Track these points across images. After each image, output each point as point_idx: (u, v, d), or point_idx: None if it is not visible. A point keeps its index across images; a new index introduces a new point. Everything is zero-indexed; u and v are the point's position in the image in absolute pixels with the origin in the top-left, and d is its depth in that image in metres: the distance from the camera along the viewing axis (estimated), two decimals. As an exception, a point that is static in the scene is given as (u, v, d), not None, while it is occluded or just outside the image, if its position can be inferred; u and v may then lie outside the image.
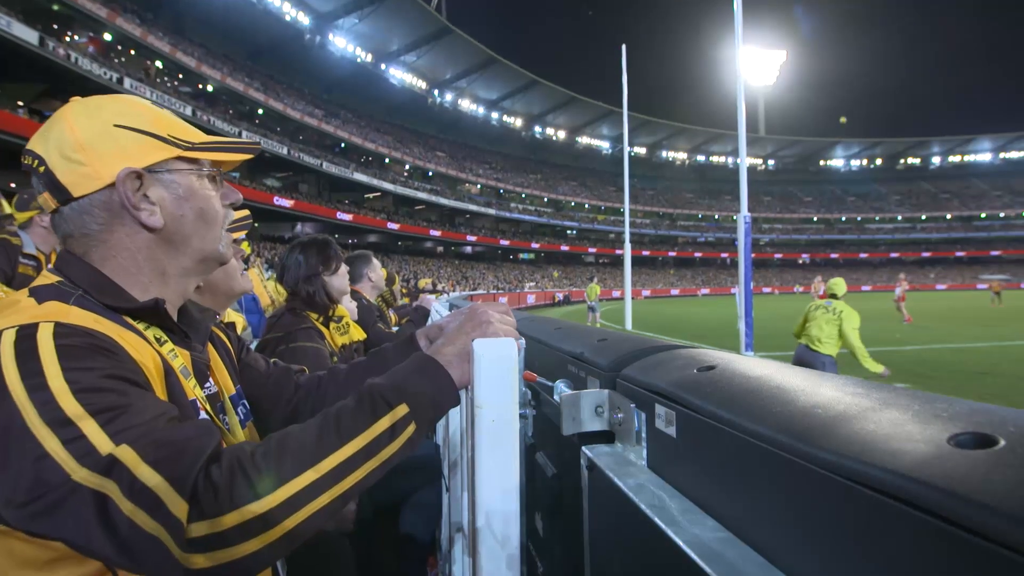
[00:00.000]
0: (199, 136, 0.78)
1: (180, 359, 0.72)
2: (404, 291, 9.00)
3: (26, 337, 0.55)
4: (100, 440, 0.50)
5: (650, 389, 0.71)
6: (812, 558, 0.43)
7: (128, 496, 0.49)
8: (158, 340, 0.70)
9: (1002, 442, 0.35)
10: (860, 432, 0.42)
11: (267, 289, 4.42)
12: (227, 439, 0.76)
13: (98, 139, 0.69)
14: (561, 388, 0.95)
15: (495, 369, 0.56)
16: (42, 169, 0.69)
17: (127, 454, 0.50)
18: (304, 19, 35.80)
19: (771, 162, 73.74)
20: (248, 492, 0.50)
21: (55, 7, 21.73)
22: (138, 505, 0.48)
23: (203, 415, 0.72)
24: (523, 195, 53.26)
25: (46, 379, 0.52)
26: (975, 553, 0.30)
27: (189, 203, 0.74)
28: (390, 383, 0.60)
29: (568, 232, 56.15)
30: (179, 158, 0.74)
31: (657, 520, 0.57)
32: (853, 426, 0.43)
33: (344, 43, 39.04)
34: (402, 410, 0.58)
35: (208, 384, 0.78)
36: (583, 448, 0.79)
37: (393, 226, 39.02)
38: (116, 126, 0.71)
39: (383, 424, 0.57)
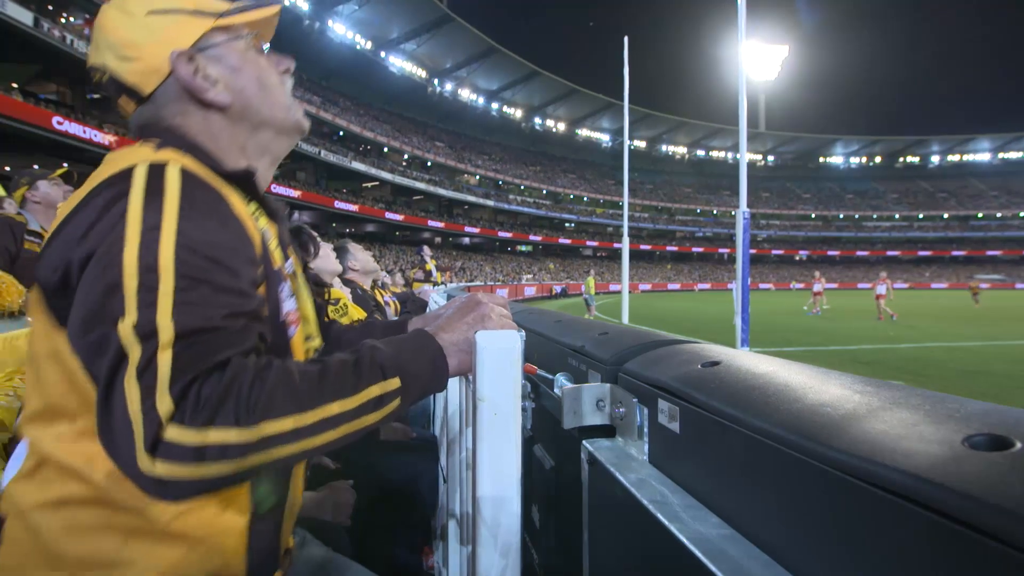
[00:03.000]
0: (225, 4, 0.77)
1: (272, 233, 0.72)
2: (412, 277, 8.97)
3: (156, 175, 0.56)
4: (164, 304, 0.51)
5: (653, 384, 0.71)
6: (819, 557, 0.43)
7: (137, 371, 0.49)
8: (252, 215, 0.70)
9: (1018, 444, 0.34)
10: (871, 432, 0.41)
11: None
12: (305, 313, 0.76)
13: (139, 32, 0.70)
14: (562, 381, 0.94)
15: (498, 362, 0.56)
16: (107, 78, 0.70)
17: (166, 333, 0.50)
18: (303, 4, 35.39)
19: (770, 158, 73.67)
20: (230, 418, 0.49)
21: (50, -14, 21.43)
22: (139, 384, 0.49)
23: (287, 288, 0.70)
24: (522, 187, 53.11)
25: (161, 219, 0.53)
26: (992, 557, 0.29)
27: (244, 73, 0.74)
28: (390, 353, 0.59)
29: (566, 225, 56.08)
30: (216, 29, 0.73)
31: (659, 515, 0.56)
32: (864, 425, 0.43)
33: (343, 29, 38.63)
34: (394, 383, 0.57)
35: (289, 262, 0.77)
36: (584, 442, 0.78)
37: (393, 216, 38.86)
38: (150, 13, 0.70)
39: (373, 392, 0.56)
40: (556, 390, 0.92)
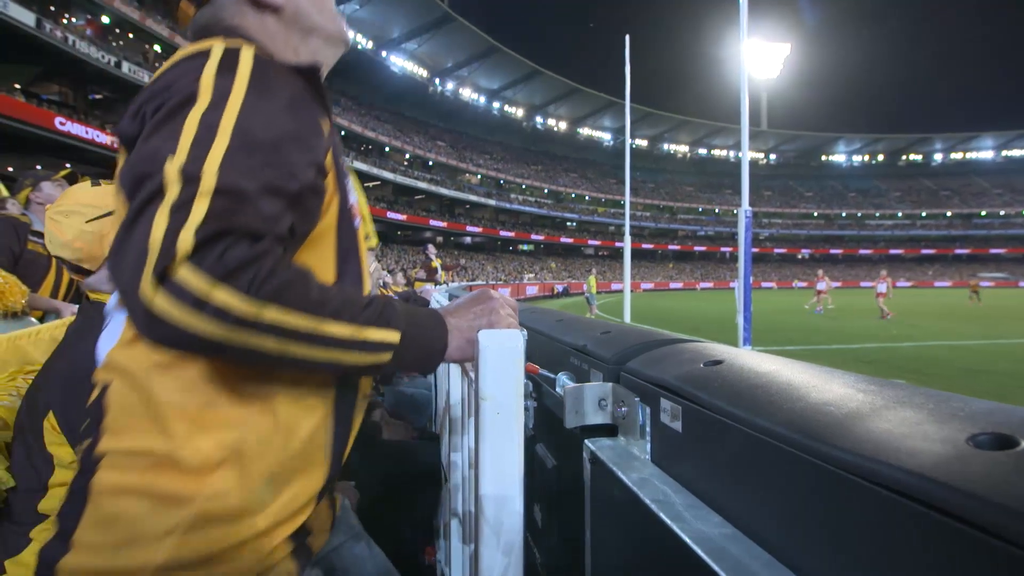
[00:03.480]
0: None
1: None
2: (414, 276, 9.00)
3: (232, 53, 0.59)
4: (214, 158, 0.52)
5: (655, 383, 0.70)
6: (822, 557, 0.43)
7: (171, 207, 0.50)
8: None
9: (1023, 444, 0.34)
10: (875, 431, 0.41)
11: None
12: (363, 210, 0.77)
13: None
14: (564, 380, 0.94)
15: (500, 361, 0.55)
16: None
17: (208, 182, 0.51)
18: (304, 4, 35.52)
19: (772, 156, 73.52)
20: (243, 286, 0.50)
21: (52, -12, 21.48)
22: (168, 218, 0.49)
23: (350, 183, 0.72)
24: (523, 186, 53.09)
25: (231, 88, 0.55)
26: (996, 557, 0.29)
27: None
28: (400, 311, 0.60)
29: (568, 224, 56.04)
30: None
31: (661, 515, 0.56)
32: (867, 424, 0.43)
33: (351, 30, 38.75)
34: (392, 336, 0.58)
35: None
36: (586, 441, 0.78)
37: (395, 216, 38.88)
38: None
39: (371, 334, 0.56)
40: (558, 389, 0.92)
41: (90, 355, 0.89)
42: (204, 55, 0.59)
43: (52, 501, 0.90)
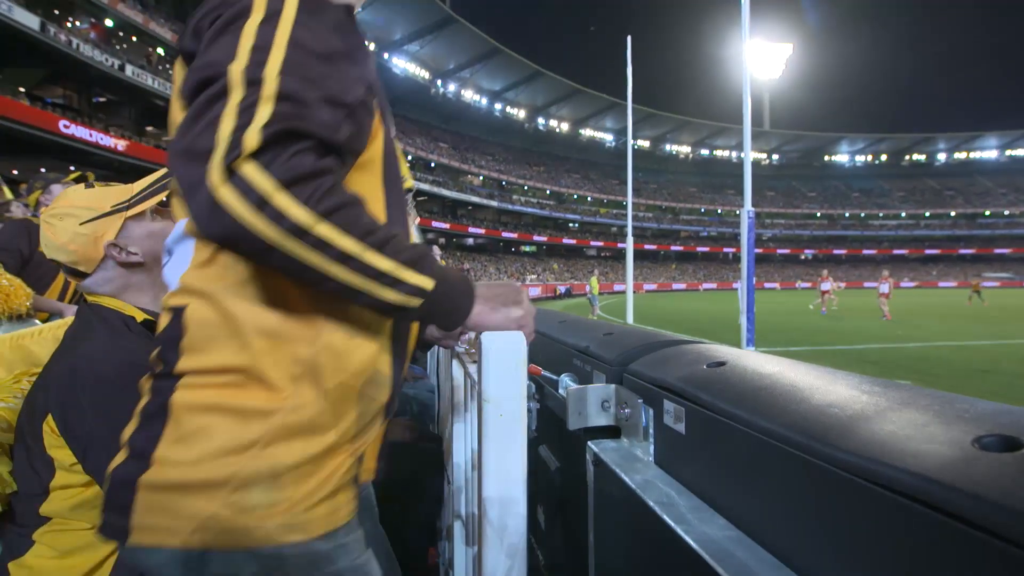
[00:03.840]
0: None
1: None
2: None
3: None
4: (274, 64, 0.53)
5: (658, 384, 0.70)
6: (827, 560, 0.43)
7: (238, 107, 0.51)
8: None
9: (1030, 445, 0.33)
10: (880, 432, 0.41)
11: None
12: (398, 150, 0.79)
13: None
14: (566, 382, 0.94)
15: (503, 363, 0.55)
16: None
17: (271, 86, 0.52)
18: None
19: (775, 157, 73.34)
20: (304, 195, 0.52)
21: (56, -8, 21.59)
22: (236, 116, 0.51)
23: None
24: (526, 187, 53.08)
25: (283, 6, 0.57)
26: (1002, 559, 0.29)
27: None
28: (437, 265, 0.62)
29: (571, 225, 56.00)
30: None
31: (665, 517, 0.56)
32: (872, 426, 0.42)
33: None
34: (426, 283, 0.59)
35: None
36: (589, 443, 0.78)
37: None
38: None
39: (406, 274, 0.58)
40: (561, 391, 0.92)
41: (87, 357, 0.89)
42: None
43: (53, 504, 0.90)
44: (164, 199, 1.03)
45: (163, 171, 1.12)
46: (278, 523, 0.57)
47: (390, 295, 0.57)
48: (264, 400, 0.57)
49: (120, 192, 1.02)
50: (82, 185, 1.07)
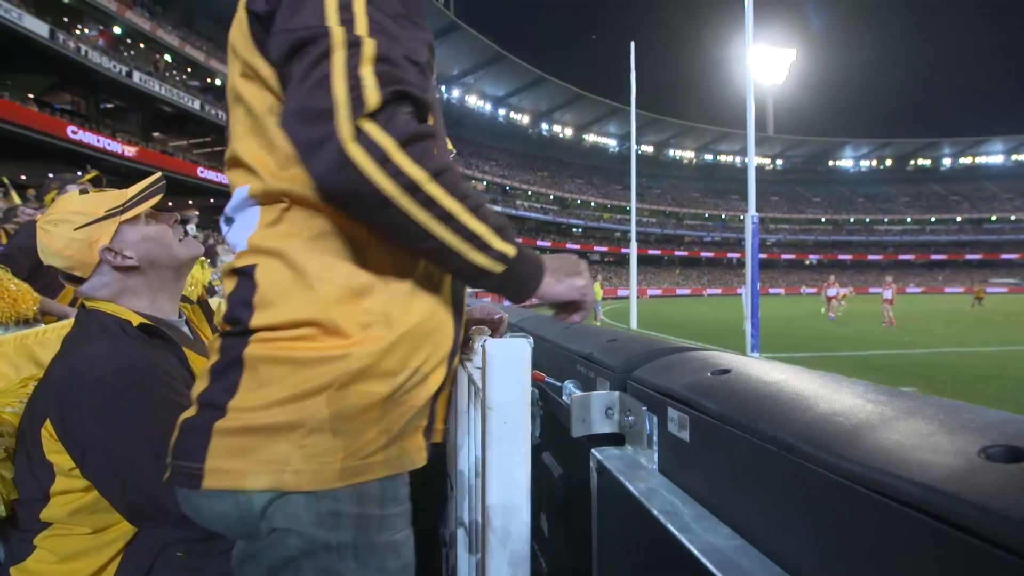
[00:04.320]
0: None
1: None
2: None
3: None
4: (361, 26, 0.56)
5: (662, 392, 0.70)
6: (832, 570, 0.42)
7: (346, 70, 0.53)
8: None
9: (1036, 456, 0.33)
10: (885, 442, 0.41)
11: None
12: None
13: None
14: (570, 389, 0.94)
15: (507, 371, 0.55)
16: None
17: (369, 49, 0.55)
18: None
19: (779, 162, 73.25)
20: (417, 154, 0.55)
21: (65, 0, 21.84)
22: (346, 78, 0.53)
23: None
24: (529, 192, 53.20)
25: None
26: (1010, 572, 0.29)
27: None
28: (515, 238, 0.65)
29: (574, 230, 56.04)
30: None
31: (670, 526, 0.56)
32: (877, 435, 0.42)
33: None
34: (510, 250, 0.62)
35: None
36: (592, 450, 0.78)
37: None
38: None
39: (495, 240, 0.61)
40: (564, 398, 0.92)
41: (85, 362, 0.89)
42: None
43: (54, 509, 0.91)
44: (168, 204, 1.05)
45: (157, 175, 1.13)
46: (345, 465, 0.59)
47: (479, 258, 0.60)
48: (335, 346, 0.59)
49: (114, 197, 1.03)
50: (77, 191, 1.08)
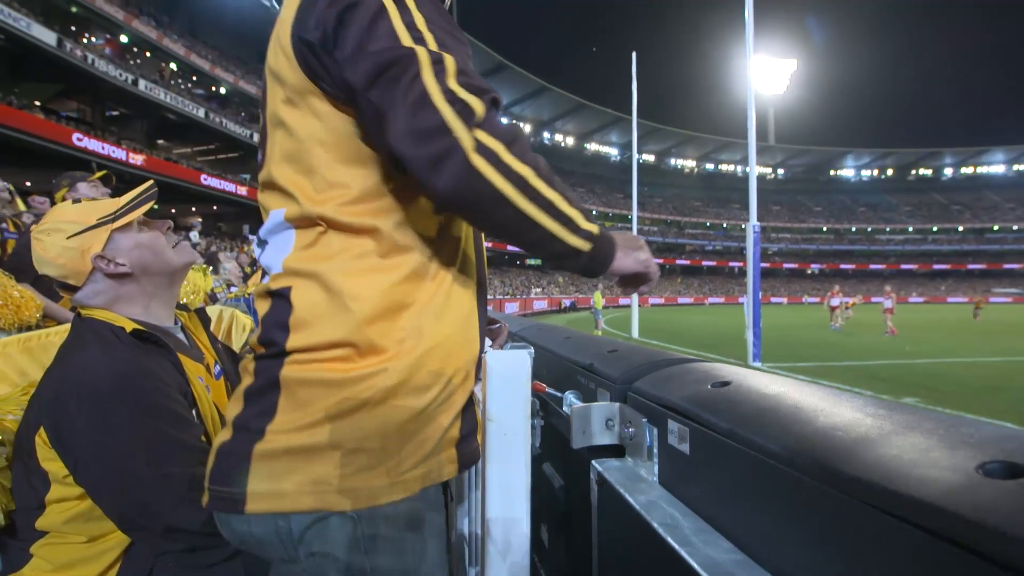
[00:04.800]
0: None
1: None
2: None
3: None
4: (432, 43, 0.59)
5: (662, 404, 0.70)
6: (832, 585, 0.42)
7: (442, 88, 0.56)
8: None
9: (1034, 472, 0.33)
10: (884, 456, 0.41)
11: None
12: None
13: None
14: (571, 399, 0.94)
15: (508, 383, 0.56)
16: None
17: (451, 64, 0.58)
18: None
19: (780, 171, 73.39)
20: (520, 153, 0.59)
21: (73, 9, 22.07)
22: (440, 92, 0.56)
23: None
24: (531, 200, 53.32)
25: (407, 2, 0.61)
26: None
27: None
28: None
29: (575, 238, 56.06)
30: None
31: (669, 539, 0.56)
32: (876, 450, 0.42)
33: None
34: (594, 229, 0.65)
35: None
36: (593, 462, 0.78)
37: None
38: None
39: (583, 222, 0.64)
40: (565, 408, 0.92)
41: (78, 369, 0.89)
42: None
43: (50, 517, 0.91)
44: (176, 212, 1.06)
45: (149, 183, 1.14)
46: (385, 482, 0.59)
47: (574, 240, 0.63)
48: (371, 364, 0.60)
49: (107, 205, 1.04)
50: (70, 200, 1.09)
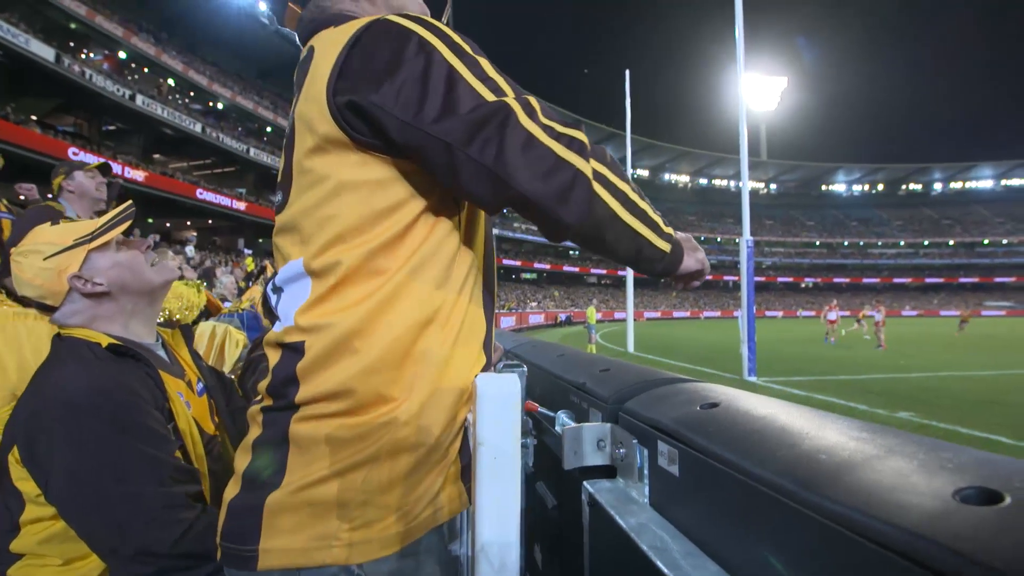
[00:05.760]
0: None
1: None
2: None
3: (404, 16, 0.65)
4: (505, 87, 0.63)
5: (652, 425, 0.71)
6: (817, 610, 0.43)
7: (540, 125, 0.60)
8: None
9: (1008, 499, 0.34)
10: (865, 481, 0.42)
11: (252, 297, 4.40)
12: None
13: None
14: (563, 419, 0.94)
15: (498, 406, 0.56)
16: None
17: (531, 98, 0.63)
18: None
19: (773, 186, 74.21)
20: (616, 173, 0.66)
21: (72, 25, 22.26)
22: (540, 130, 0.60)
23: None
24: (526, 215, 53.59)
25: (440, 41, 0.63)
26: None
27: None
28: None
29: (571, 253, 56.33)
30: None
31: (659, 563, 0.56)
32: (857, 474, 0.43)
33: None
34: (670, 230, 0.72)
35: None
36: (584, 483, 0.78)
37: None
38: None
39: (661, 222, 0.71)
40: (557, 428, 0.92)
41: (54, 386, 0.89)
42: (399, 31, 0.64)
43: (25, 539, 0.90)
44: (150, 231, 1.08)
45: (127, 204, 1.16)
46: (396, 531, 0.60)
47: (660, 243, 0.69)
48: (381, 413, 0.61)
49: (84, 226, 1.06)
50: (48, 223, 1.10)
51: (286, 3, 0.87)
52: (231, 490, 0.64)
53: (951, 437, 4.85)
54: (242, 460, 0.65)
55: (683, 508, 0.63)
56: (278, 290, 0.69)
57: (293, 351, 0.63)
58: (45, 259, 1.00)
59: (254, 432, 0.65)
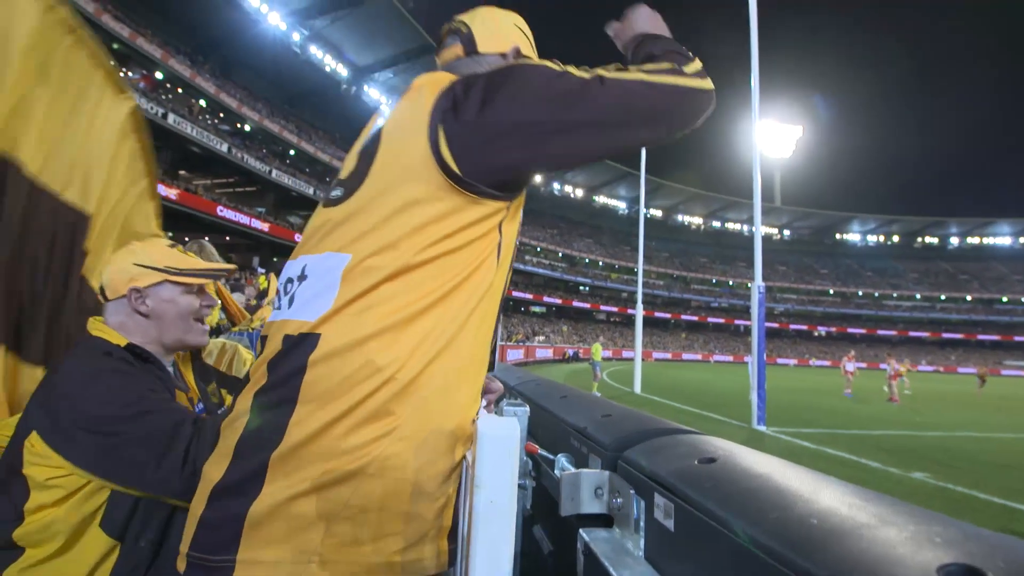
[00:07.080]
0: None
1: None
2: None
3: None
4: (576, 70, 0.72)
5: (651, 476, 0.71)
6: None
7: (636, 77, 0.70)
8: None
9: (990, 577, 0.34)
10: (853, 551, 0.42)
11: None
12: None
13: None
14: (563, 463, 0.95)
15: (497, 450, 0.58)
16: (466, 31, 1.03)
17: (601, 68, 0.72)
18: (343, 71, 37.42)
19: (786, 232, 74.15)
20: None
21: (115, 46, 23.37)
22: (640, 76, 0.71)
23: None
24: (538, 248, 53.92)
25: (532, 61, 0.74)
26: None
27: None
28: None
29: (581, 288, 56.34)
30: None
31: (650, 619, 0.56)
32: (847, 543, 0.44)
33: (378, 94, 40.74)
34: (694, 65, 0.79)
35: None
36: (580, 531, 0.78)
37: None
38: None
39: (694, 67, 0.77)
40: (557, 471, 0.92)
41: (69, 366, 0.97)
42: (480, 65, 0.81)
43: (28, 527, 0.92)
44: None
45: (232, 267, 1.27)
46: (371, 560, 0.60)
47: (704, 84, 0.76)
48: (375, 429, 0.62)
49: (183, 261, 1.15)
50: (167, 242, 1.19)
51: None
52: (200, 503, 0.64)
53: (968, 502, 4.68)
54: (218, 469, 0.64)
55: (678, 564, 0.63)
56: (303, 277, 0.70)
57: (296, 348, 0.65)
58: (133, 264, 1.10)
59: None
